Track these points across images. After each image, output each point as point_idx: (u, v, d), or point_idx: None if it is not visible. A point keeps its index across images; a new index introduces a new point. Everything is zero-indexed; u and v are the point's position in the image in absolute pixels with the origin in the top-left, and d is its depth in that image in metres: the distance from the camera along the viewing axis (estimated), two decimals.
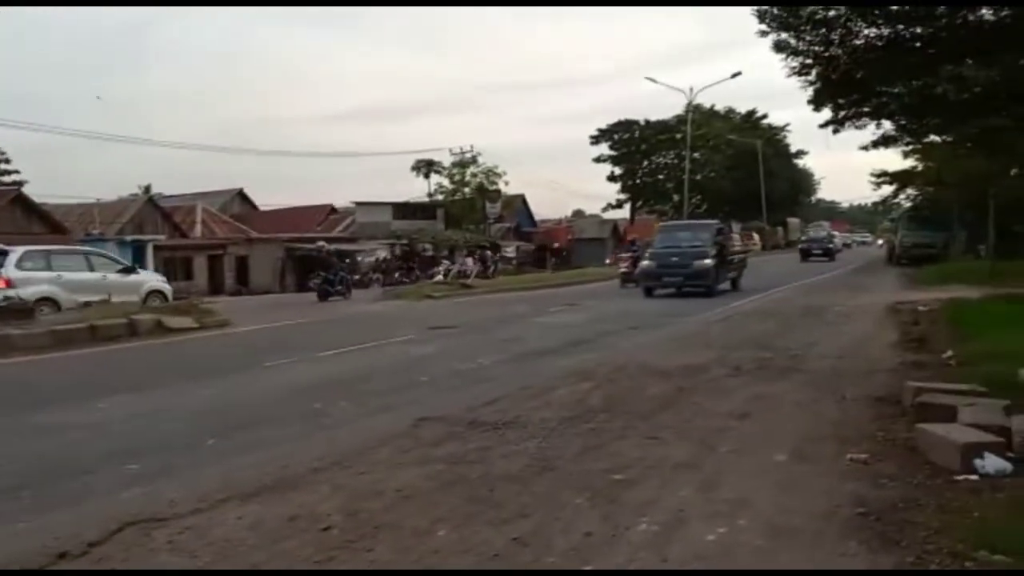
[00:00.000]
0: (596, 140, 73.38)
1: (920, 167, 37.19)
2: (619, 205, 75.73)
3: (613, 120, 73.51)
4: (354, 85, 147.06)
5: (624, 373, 10.33)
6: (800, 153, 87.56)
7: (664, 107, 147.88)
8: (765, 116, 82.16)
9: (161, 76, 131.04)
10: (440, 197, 58.54)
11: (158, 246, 41.86)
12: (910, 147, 29.66)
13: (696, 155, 65.02)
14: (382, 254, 46.05)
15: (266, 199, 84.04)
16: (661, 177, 73.29)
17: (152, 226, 44.82)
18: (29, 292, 18.30)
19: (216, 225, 49.88)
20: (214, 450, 7.20)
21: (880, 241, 72.20)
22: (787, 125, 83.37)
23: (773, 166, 75.26)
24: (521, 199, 66.58)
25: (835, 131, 11.23)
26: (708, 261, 23.09)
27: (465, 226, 54.96)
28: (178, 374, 11.73)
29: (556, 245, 61.99)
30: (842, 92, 10.50)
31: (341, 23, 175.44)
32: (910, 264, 36.68)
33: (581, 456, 6.50)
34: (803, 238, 53.61)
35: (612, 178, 74.16)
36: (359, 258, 46.73)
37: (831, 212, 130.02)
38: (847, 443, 6.64)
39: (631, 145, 72.02)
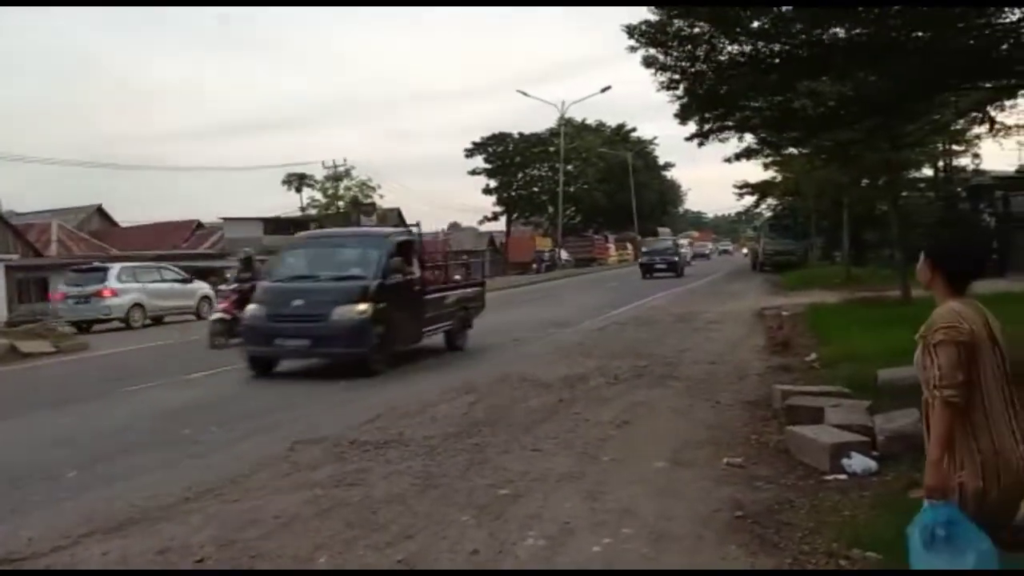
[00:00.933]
0: (471, 153, 73.03)
1: (779, 178, 38.69)
2: (495, 217, 75.67)
3: (488, 133, 73.66)
4: (224, 100, 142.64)
5: (506, 385, 10.37)
6: (668, 165, 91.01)
7: (537, 120, 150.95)
8: (634, 130, 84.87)
9: (19, 88, 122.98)
10: (313, 211, 57.20)
11: (10, 266, 39.18)
12: (770, 159, 31.12)
13: (569, 168, 66.78)
14: None
15: (130, 216, 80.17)
16: (536, 189, 73.90)
17: (3, 245, 41.90)
18: (126, 300, 23.46)
19: (73, 243, 47.20)
20: (76, 482, 6.79)
21: (744, 250, 73.86)
22: (655, 138, 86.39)
23: (643, 178, 77.81)
24: (396, 213, 65.83)
25: (700, 144, 11.64)
26: (360, 310, 11.93)
27: None
28: (34, 401, 11.09)
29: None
30: (707, 106, 10.83)
31: (210, 38, 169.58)
32: (773, 270, 38.99)
33: (466, 472, 6.46)
34: (644, 250, 45.67)
35: (488, 191, 73.90)
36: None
37: (698, 222, 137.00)
38: (723, 447, 6.87)
39: (505, 158, 72.15)
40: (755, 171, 57.62)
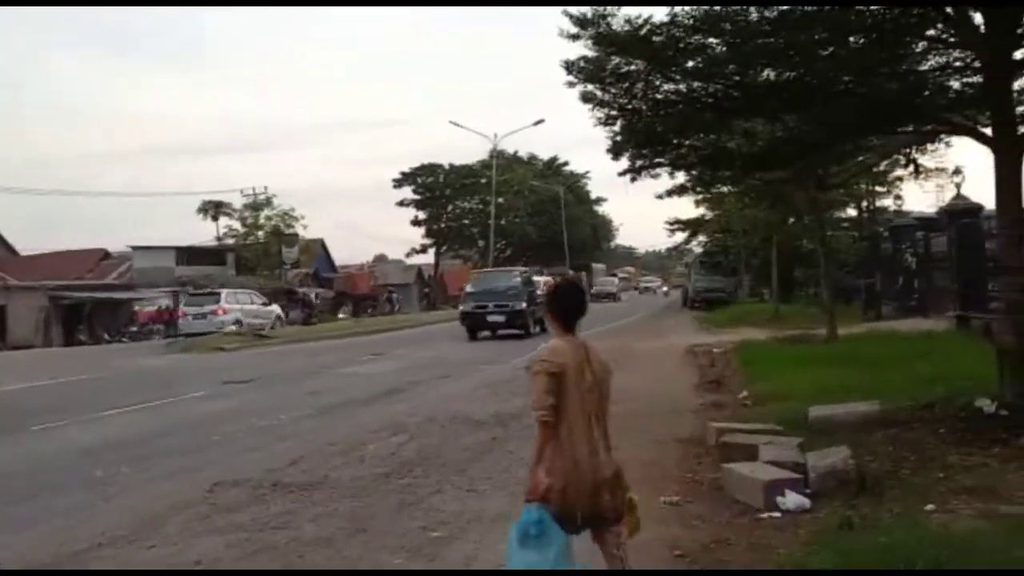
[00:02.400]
0: (399, 184, 72.97)
1: (710, 215, 39.09)
2: (423, 250, 74.96)
3: (418, 163, 73.86)
4: (135, 123, 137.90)
5: (437, 424, 10.36)
6: (600, 200, 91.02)
7: (469, 152, 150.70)
8: (567, 163, 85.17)
9: None
10: (231, 241, 55.68)
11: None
12: (702, 196, 31.50)
13: (500, 200, 66.00)
14: (164, 303, 43.36)
15: (31, 244, 76.35)
16: (466, 222, 73.78)
17: None
18: (231, 317, 31.67)
19: None
20: None
21: (665, 288, 77.53)
22: (587, 172, 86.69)
23: (575, 212, 78.03)
24: (320, 243, 64.83)
25: (632, 179, 11.61)
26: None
27: (259, 272, 52.53)
28: None
29: (357, 291, 60.67)
30: (643, 143, 10.95)
31: (117, 53, 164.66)
32: (703, 307, 39.94)
33: (397, 514, 6.42)
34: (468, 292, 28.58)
35: (416, 222, 73.80)
36: (135, 307, 43.93)
37: (629, 257, 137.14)
38: (659, 486, 6.94)
39: (435, 189, 72.41)
40: (687, 207, 58.83)
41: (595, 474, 3.54)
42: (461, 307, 26.98)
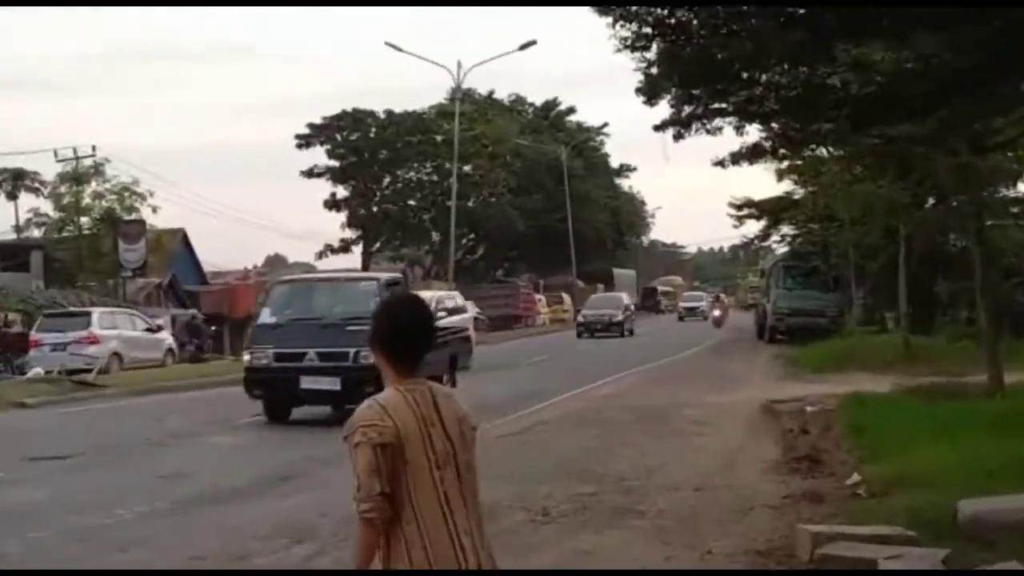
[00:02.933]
0: (306, 142, 50.91)
1: (800, 194, 30.53)
2: (345, 248, 52.67)
3: (335, 111, 51.22)
4: None
5: None
6: (625, 169, 66.83)
7: (416, 94, 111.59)
8: (571, 111, 61.77)
9: None
10: (38, 233, 39.44)
11: None
12: (787, 164, 25.31)
13: (467, 168, 48.19)
14: None
15: None
16: (413, 203, 52.43)
17: None
18: (104, 348, 24.33)
19: None
20: None
21: (717, 310, 47.48)
22: (604, 126, 63.17)
23: (585, 188, 56.43)
24: (181, 237, 44.77)
25: (677, 136, 9.69)
26: None
27: (83, 281, 36.38)
28: None
29: (236, 313, 39.79)
30: (695, 78, 8.80)
31: None
32: (789, 339, 29.44)
33: None
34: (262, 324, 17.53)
35: (333, 203, 51.67)
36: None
37: (672, 260, 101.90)
38: None
39: (364, 151, 50.30)
40: (763, 182, 49.11)
41: None
42: (247, 356, 15.10)
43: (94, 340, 23.99)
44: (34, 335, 25.21)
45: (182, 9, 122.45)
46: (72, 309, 28.16)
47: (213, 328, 34.98)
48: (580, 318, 40.36)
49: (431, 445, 2.70)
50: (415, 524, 2.67)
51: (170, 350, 27.34)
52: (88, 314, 25.93)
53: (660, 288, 71.40)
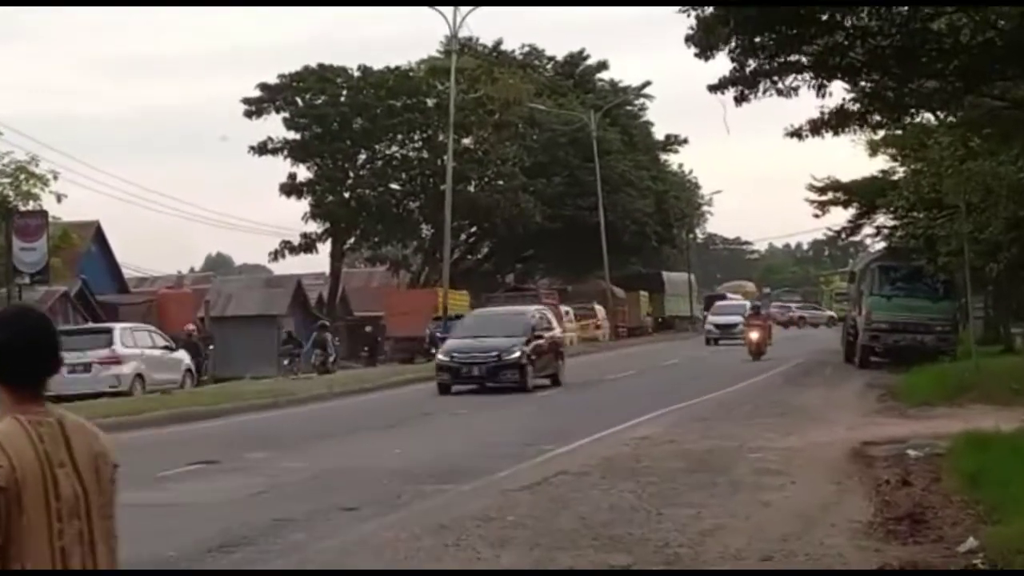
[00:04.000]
0: (257, 108, 42.22)
1: (901, 173, 26.87)
2: (308, 246, 43.80)
3: (295, 66, 42.92)
4: None
5: None
6: (673, 141, 57.62)
7: (399, 44, 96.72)
8: (604, 66, 53.20)
9: None
10: None
11: None
12: (883, 134, 22.43)
13: (467, 142, 41.66)
14: None
15: None
16: (397, 187, 44.02)
17: None
18: (127, 369, 24.04)
19: None
20: None
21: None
22: (645, 85, 54.64)
23: (621, 167, 48.17)
24: (94, 232, 39.09)
25: (740, 99, 8.59)
26: None
27: None
28: None
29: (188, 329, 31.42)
30: (762, 23, 7.49)
31: None
32: (887, 361, 26.59)
33: None
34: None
35: (292, 188, 42.95)
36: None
37: (735, 260, 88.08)
38: None
39: (333, 120, 41.67)
40: (852, 158, 43.76)
41: None
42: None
43: (117, 360, 23.25)
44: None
45: None
46: (91, 325, 28.25)
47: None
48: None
49: (56, 491, 2.51)
50: None
51: (188, 371, 26.07)
52: (109, 331, 25.07)
53: (730, 296, 57.69)
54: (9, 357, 2.47)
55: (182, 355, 26.42)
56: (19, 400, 2.48)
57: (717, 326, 43.92)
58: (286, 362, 33.20)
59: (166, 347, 26.12)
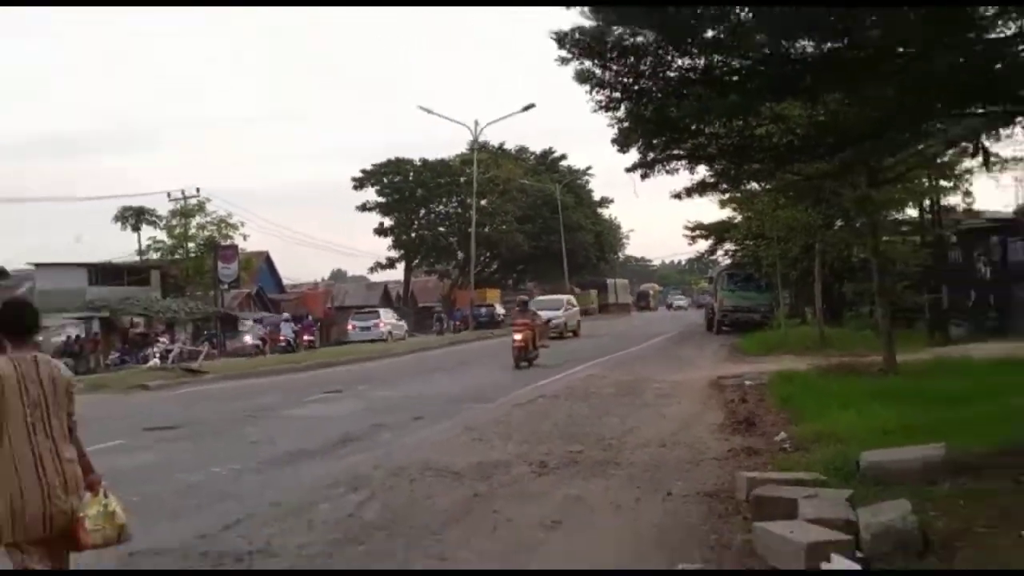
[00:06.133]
0: (360, 184, 72.31)
1: (739, 218, 38.92)
2: (391, 264, 74.92)
3: (381, 160, 73.13)
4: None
5: (406, 478, 10.26)
6: (605, 201, 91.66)
7: (444, 146, 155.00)
8: (563, 157, 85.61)
9: None
10: (156, 256, 55.77)
11: None
12: (727, 195, 31.34)
13: (483, 202, 66.04)
14: (74, 332, 43.04)
15: None
16: (442, 229, 73.75)
17: None
18: (398, 331, 54.53)
19: None
20: None
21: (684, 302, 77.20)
22: (588, 168, 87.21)
23: (575, 216, 78.18)
24: (264, 257, 65.57)
25: (644, 176, 11.80)
26: None
27: (191, 292, 53.28)
28: None
29: (309, 317, 58.17)
30: (653, 132, 11.06)
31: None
32: (732, 330, 40.84)
33: None
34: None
35: (381, 231, 73.30)
36: (39, 337, 43.15)
37: (643, 271, 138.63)
38: (677, 552, 6.92)
39: (404, 190, 71.57)
40: (710, 209, 58.90)
41: (44, 487, 4.40)
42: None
43: (379, 324, 50.87)
44: (351, 322, 52.58)
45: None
46: (369, 306, 58.82)
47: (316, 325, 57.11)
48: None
49: (26, 392, 4.48)
50: (9, 457, 4.40)
51: (403, 332, 55.05)
52: (376, 310, 54.50)
53: (650, 292, 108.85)
54: (8, 321, 4.67)
55: (403, 323, 56.30)
56: (15, 347, 4.62)
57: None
58: (435, 328, 60.92)
59: (396, 319, 55.08)
